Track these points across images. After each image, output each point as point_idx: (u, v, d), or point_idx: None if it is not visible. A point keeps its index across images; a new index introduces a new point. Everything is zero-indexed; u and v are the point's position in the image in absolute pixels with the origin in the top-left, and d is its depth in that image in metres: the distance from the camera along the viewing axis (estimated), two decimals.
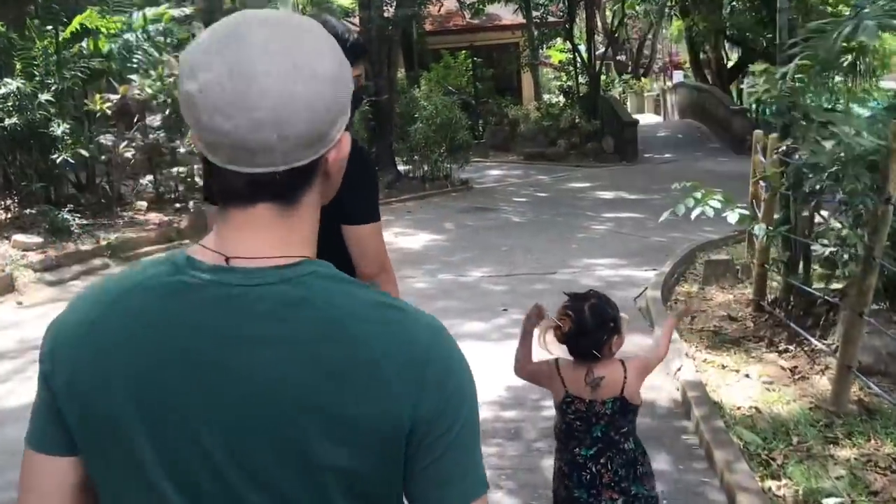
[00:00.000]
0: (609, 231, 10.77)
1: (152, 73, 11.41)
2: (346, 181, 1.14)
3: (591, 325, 2.53)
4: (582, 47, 21.78)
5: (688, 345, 5.64)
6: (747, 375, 5.02)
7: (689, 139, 22.28)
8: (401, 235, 10.86)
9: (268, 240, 0.97)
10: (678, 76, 33.95)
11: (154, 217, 11.26)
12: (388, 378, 0.94)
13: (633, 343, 4.89)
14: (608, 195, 14.24)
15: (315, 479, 0.94)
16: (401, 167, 15.73)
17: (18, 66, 10.20)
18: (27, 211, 9.77)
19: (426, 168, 15.29)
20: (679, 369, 4.98)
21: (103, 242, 9.49)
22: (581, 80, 21.19)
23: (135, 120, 11.54)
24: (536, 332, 2.63)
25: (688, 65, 39.80)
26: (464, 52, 22.95)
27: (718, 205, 5.33)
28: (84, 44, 10.94)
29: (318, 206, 1.02)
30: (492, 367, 4.26)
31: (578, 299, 2.59)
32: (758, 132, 7.66)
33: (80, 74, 10.63)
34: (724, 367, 5.19)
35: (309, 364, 0.93)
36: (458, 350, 1.02)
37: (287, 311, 0.94)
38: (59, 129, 9.76)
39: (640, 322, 6.39)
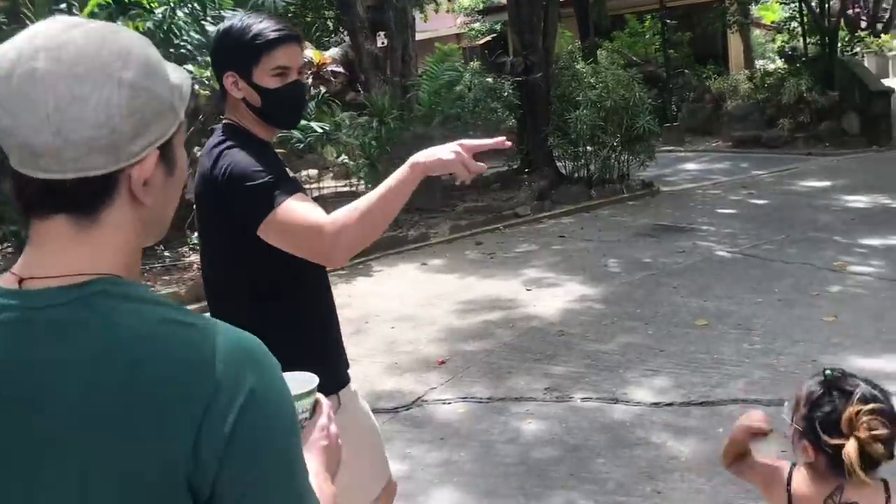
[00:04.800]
0: (880, 279, 6.45)
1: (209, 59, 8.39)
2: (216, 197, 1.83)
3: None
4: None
5: None
6: None
7: None
8: (534, 286, 7.09)
9: (65, 257, 0.94)
10: None
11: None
12: (165, 409, 0.86)
13: None
14: (861, 202, 9.67)
15: None
16: (562, 167, 11.92)
17: None
18: None
19: (593, 168, 11.37)
20: None
21: None
22: (808, 39, 16.20)
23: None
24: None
25: None
26: (650, 15, 18.61)
27: None
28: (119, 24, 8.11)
29: (129, 228, 0.97)
30: None
31: (846, 386, 1.76)
32: None
33: None
34: None
35: (83, 392, 0.87)
36: (269, 376, 0.92)
37: (67, 334, 0.89)
38: None
39: None
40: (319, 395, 1.23)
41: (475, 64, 16.25)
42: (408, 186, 1.87)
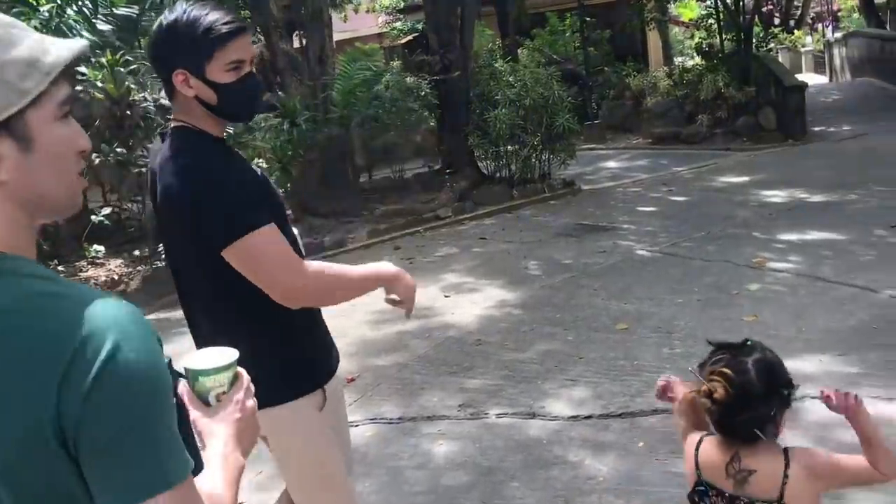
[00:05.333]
0: (799, 276, 6.38)
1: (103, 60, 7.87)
2: (181, 203, 1.81)
3: (759, 392, 1.79)
4: None
5: None
6: None
7: (873, 105, 17.05)
8: (453, 292, 6.85)
9: None
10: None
11: (104, 272, 7.80)
12: (29, 377, 0.92)
13: None
14: (779, 196, 9.71)
15: None
16: (483, 167, 11.71)
17: None
18: None
19: (514, 168, 11.19)
20: None
21: None
22: (725, 35, 16.38)
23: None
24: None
25: (845, 13, 33.66)
26: (570, 12, 18.60)
27: None
28: None
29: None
30: None
31: (735, 353, 1.85)
32: None
33: None
34: None
35: None
36: (130, 340, 0.95)
37: None
38: None
39: None
40: (240, 370, 1.25)
41: (396, 63, 15.96)
42: (375, 283, 2.08)
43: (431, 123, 12.26)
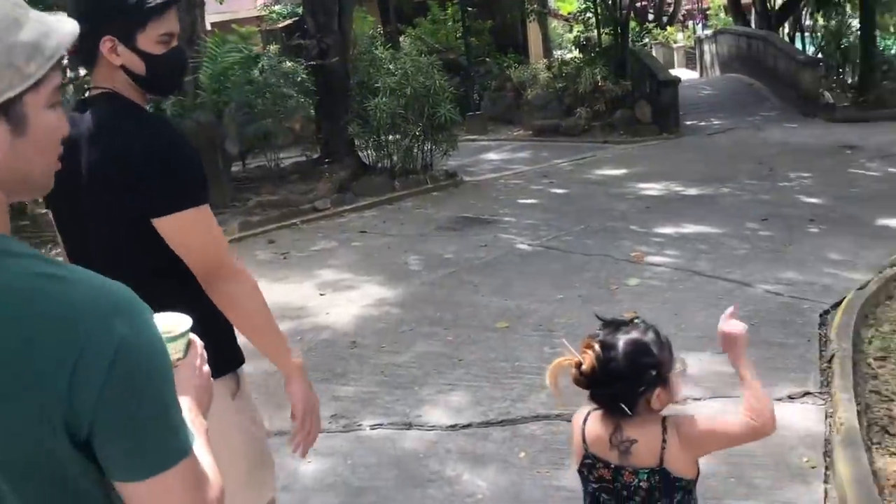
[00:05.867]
0: (676, 270, 6.40)
1: None
2: (131, 163, 1.77)
3: (622, 369, 1.82)
4: None
5: None
6: None
7: (741, 100, 17.71)
8: (329, 289, 6.51)
9: None
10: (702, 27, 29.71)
11: None
12: (38, 366, 0.91)
13: None
14: (655, 189, 9.85)
15: None
16: (364, 157, 11.37)
17: None
18: None
19: (396, 158, 10.90)
20: None
21: None
22: (602, 30, 16.61)
23: None
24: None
25: (713, 11, 35.08)
26: (451, 2, 18.44)
27: None
28: None
29: None
30: None
31: (613, 330, 1.89)
32: None
33: None
34: None
35: None
36: (138, 323, 0.96)
37: None
38: None
39: None
40: (192, 336, 1.25)
41: (274, 47, 15.35)
42: (273, 355, 2.06)
43: (311, 111, 11.80)
